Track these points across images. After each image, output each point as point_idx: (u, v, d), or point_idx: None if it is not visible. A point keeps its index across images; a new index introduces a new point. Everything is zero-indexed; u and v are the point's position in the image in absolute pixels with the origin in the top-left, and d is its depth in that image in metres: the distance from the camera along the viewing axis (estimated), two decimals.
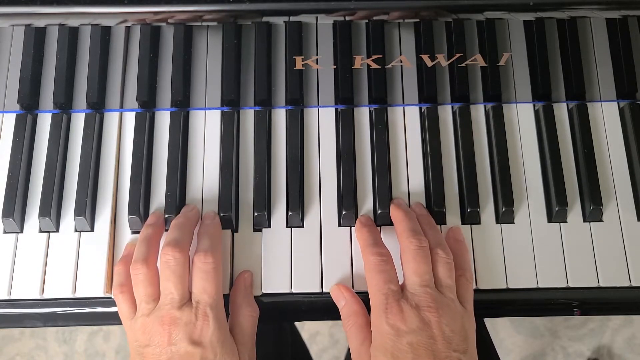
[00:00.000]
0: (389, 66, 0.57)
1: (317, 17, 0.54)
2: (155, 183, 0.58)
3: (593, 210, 0.56)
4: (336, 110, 0.60)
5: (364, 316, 0.52)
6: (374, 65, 0.57)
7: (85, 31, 0.57)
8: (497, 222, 0.57)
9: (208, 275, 0.50)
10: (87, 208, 0.56)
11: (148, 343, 0.49)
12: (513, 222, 0.57)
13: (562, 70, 0.58)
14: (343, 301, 0.53)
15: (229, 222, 0.56)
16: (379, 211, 0.56)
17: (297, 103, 0.59)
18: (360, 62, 0.57)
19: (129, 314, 0.52)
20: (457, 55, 0.56)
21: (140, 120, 0.59)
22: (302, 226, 0.57)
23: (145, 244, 0.53)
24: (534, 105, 0.60)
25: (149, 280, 0.51)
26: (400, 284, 0.51)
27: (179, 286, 0.50)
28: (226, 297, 0.54)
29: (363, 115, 0.60)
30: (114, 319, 0.55)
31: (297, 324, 0.97)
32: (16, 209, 0.56)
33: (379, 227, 0.56)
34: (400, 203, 0.56)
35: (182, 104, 0.59)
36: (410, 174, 0.58)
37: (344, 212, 0.56)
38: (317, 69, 0.58)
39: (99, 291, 0.55)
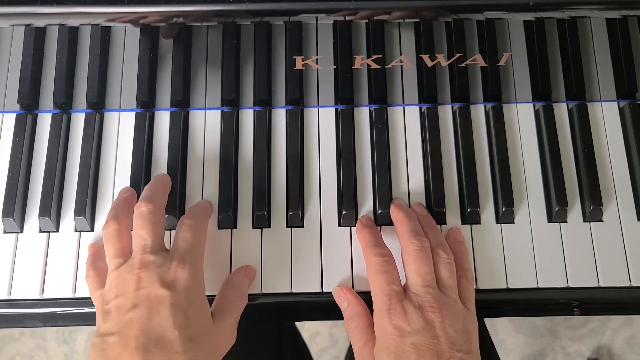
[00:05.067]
0: (389, 66, 0.57)
1: (317, 17, 0.54)
2: None
3: (593, 210, 0.56)
4: (336, 110, 0.60)
5: (366, 317, 0.52)
6: (374, 65, 0.57)
7: (85, 31, 0.57)
8: (497, 222, 0.57)
9: (191, 228, 0.50)
10: (87, 208, 0.56)
11: (115, 295, 0.46)
12: (513, 222, 0.57)
13: (562, 70, 0.58)
14: (346, 302, 0.53)
15: (229, 222, 0.56)
16: (379, 211, 0.56)
17: (297, 103, 0.59)
18: (360, 62, 0.56)
19: (100, 284, 0.50)
20: (457, 55, 0.56)
21: (140, 120, 0.59)
22: (302, 226, 0.57)
23: (115, 208, 0.52)
24: (534, 105, 0.60)
25: (120, 236, 0.49)
26: (402, 284, 0.51)
27: (152, 233, 0.48)
28: None
29: (363, 115, 0.60)
30: None
31: (297, 324, 0.96)
32: (16, 209, 0.56)
33: (379, 227, 0.56)
34: (401, 203, 0.56)
35: (182, 104, 0.59)
36: (410, 174, 0.58)
37: (344, 212, 0.56)
38: (317, 69, 0.58)
39: None
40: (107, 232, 0.50)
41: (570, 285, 0.55)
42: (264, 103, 0.59)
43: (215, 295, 0.54)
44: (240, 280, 0.54)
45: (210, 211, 0.56)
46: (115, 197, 0.57)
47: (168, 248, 0.51)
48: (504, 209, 0.56)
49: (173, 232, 0.56)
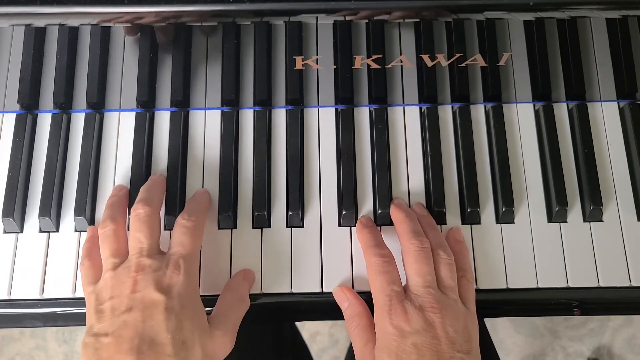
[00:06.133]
0: (389, 66, 0.57)
1: (317, 17, 0.54)
2: None
3: (593, 210, 0.56)
4: (336, 110, 0.60)
5: (367, 317, 0.52)
6: (374, 65, 0.57)
7: (85, 31, 0.57)
8: (497, 222, 0.57)
9: (188, 230, 0.50)
10: (87, 208, 0.56)
11: (110, 296, 0.47)
12: (513, 222, 0.57)
13: (562, 70, 0.58)
14: (346, 303, 0.53)
15: (229, 222, 0.56)
16: (379, 211, 0.56)
17: (297, 103, 0.59)
18: (360, 62, 0.57)
19: (93, 279, 0.51)
20: (457, 55, 0.56)
21: (140, 120, 0.59)
22: (302, 226, 0.57)
23: (111, 208, 0.53)
24: (534, 105, 0.60)
25: (116, 236, 0.50)
26: (402, 285, 0.51)
27: (149, 236, 0.49)
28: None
29: (363, 115, 0.60)
30: None
31: (297, 324, 0.96)
32: (16, 209, 0.56)
33: (379, 227, 0.56)
34: (401, 203, 0.56)
35: (182, 104, 0.59)
36: (410, 174, 0.58)
37: (344, 212, 0.56)
38: (317, 69, 0.58)
39: None
40: (103, 232, 0.51)
41: (570, 285, 0.55)
42: (264, 103, 0.59)
43: (216, 295, 0.54)
44: (240, 284, 0.54)
45: (208, 204, 0.56)
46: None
47: (164, 249, 0.51)
48: (504, 209, 0.56)
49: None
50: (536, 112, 0.60)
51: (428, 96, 0.59)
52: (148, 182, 0.56)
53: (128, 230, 0.52)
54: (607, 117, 0.60)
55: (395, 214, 0.55)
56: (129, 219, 0.53)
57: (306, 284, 0.55)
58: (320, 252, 0.56)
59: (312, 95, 0.59)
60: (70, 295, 0.55)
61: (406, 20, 0.55)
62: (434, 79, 0.58)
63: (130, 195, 0.57)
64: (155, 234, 0.50)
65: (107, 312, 0.46)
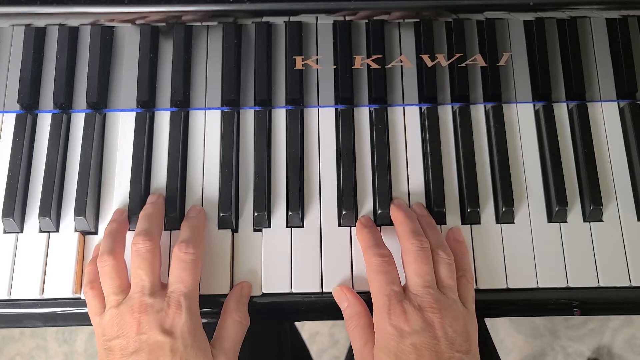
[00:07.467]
0: (389, 66, 0.57)
1: (317, 17, 0.54)
2: (155, 183, 0.58)
3: (593, 210, 0.56)
4: (336, 110, 0.60)
5: (367, 317, 0.52)
6: (374, 65, 0.57)
7: (85, 31, 0.57)
8: (497, 222, 0.57)
9: (187, 265, 0.50)
10: (87, 208, 0.56)
11: (117, 335, 0.48)
12: (513, 222, 0.57)
13: (562, 70, 0.58)
14: (346, 302, 0.53)
15: (229, 222, 0.56)
16: (379, 211, 0.56)
17: (297, 103, 0.59)
18: (360, 62, 0.57)
19: (98, 309, 0.51)
20: (457, 55, 0.56)
21: (140, 120, 0.59)
22: (302, 226, 0.57)
23: (110, 237, 0.53)
24: (534, 105, 0.60)
25: (117, 272, 0.50)
26: (402, 285, 0.51)
27: (150, 273, 0.49)
28: (223, 299, 0.54)
29: (363, 115, 0.60)
30: None
31: (297, 324, 0.97)
32: (16, 209, 0.56)
33: (378, 227, 0.56)
34: (401, 203, 0.56)
35: (182, 104, 0.59)
36: (410, 174, 0.58)
37: (344, 212, 0.56)
38: (317, 69, 0.58)
39: None
40: (103, 268, 0.51)
41: (570, 285, 0.55)
42: (264, 103, 0.59)
43: (216, 295, 0.54)
44: (237, 305, 0.53)
45: (205, 226, 0.56)
46: (115, 200, 0.58)
47: (164, 249, 0.51)
48: (504, 209, 0.56)
49: (171, 231, 0.56)
50: (536, 112, 0.60)
51: (428, 96, 0.59)
52: (147, 207, 0.55)
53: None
54: (607, 117, 0.60)
55: (395, 214, 0.55)
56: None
57: (306, 284, 0.55)
58: (320, 252, 0.56)
59: (312, 95, 0.59)
60: (70, 295, 0.55)
61: (406, 20, 0.55)
62: (434, 79, 0.58)
63: (130, 196, 0.57)
64: (156, 269, 0.50)
65: (116, 351, 0.47)
